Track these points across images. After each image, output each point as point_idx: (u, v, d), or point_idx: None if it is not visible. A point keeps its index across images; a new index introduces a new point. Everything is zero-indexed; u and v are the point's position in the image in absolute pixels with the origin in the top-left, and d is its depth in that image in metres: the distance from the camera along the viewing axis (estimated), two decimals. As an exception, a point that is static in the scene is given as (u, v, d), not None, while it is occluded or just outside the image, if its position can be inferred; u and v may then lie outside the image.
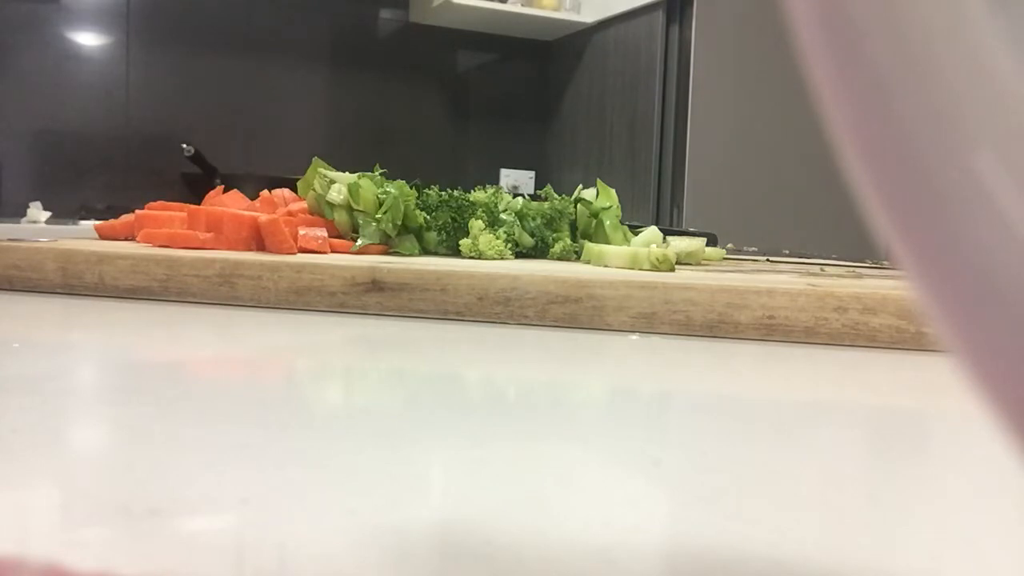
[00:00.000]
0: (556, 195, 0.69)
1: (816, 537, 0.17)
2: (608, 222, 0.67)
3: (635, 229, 0.68)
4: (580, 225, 0.68)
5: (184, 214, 0.60)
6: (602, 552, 0.16)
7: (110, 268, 0.50)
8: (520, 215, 0.65)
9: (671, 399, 0.32)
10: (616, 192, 0.70)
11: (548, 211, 0.66)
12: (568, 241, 0.65)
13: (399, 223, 0.60)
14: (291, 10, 2.42)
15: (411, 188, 0.63)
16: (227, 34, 2.34)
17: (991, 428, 0.10)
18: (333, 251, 0.58)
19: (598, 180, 0.71)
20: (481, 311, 0.46)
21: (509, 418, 0.27)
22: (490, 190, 0.66)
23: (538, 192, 0.73)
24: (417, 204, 0.62)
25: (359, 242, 0.59)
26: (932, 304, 0.10)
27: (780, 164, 1.95)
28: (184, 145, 2.06)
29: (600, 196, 0.69)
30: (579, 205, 0.68)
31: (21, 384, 0.29)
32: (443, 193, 0.64)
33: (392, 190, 0.61)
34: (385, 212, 0.60)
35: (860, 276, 0.57)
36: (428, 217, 0.62)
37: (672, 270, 0.54)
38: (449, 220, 0.63)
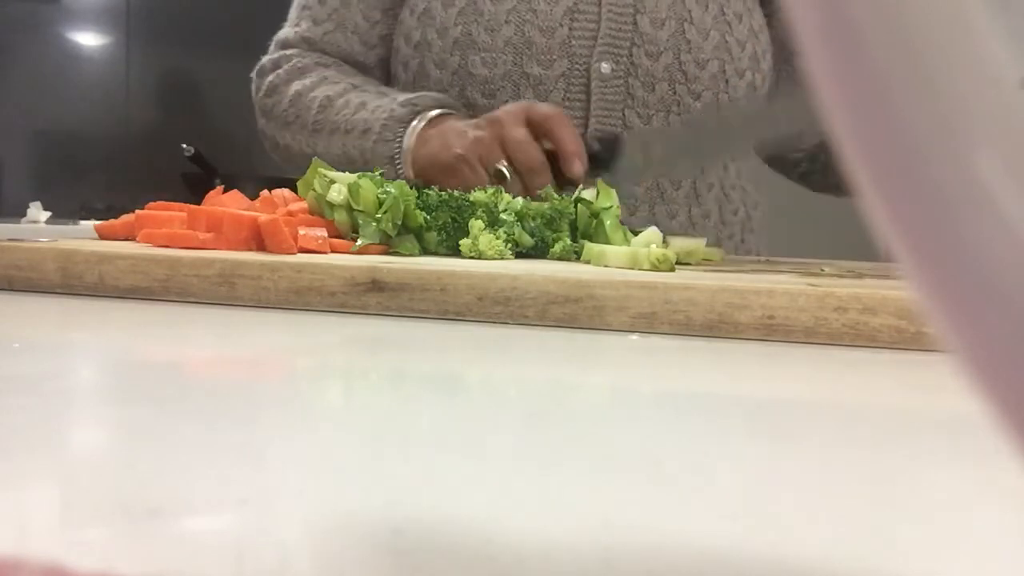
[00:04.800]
0: (556, 195, 0.69)
1: (817, 537, 0.17)
2: (608, 222, 0.67)
3: (635, 229, 0.68)
4: (580, 225, 0.68)
5: (184, 214, 0.60)
6: (602, 552, 0.16)
7: (110, 268, 0.50)
8: (520, 215, 0.65)
9: (671, 399, 0.32)
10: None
11: (548, 211, 0.66)
12: (568, 241, 0.65)
13: (399, 223, 0.60)
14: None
15: (411, 188, 0.63)
16: (227, 34, 2.34)
17: (991, 428, 0.10)
18: (333, 251, 0.58)
19: (598, 180, 0.71)
20: (481, 311, 0.46)
21: (509, 418, 0.27)
22: (490, 190, 0.66)
23: (538, 192, 0.73)
24: (417, 204, 0.62)
25: (359, 242, 0.59)
26: (932, 304, 0.10)
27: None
28: (184, 145, 2.06)
29: (600, 196, 0.69)
30: (579, 205, 0.68)
31: (21, 384, 0.29)
32: (443, 193, 0.64)
33: (392, 190, 0.61)
34: (385, 212, 0.60)
35: (860, 276, 0.57)
36: (428, 217, 0.62)
37: (672, 270, 0.54)
38: (449, 220, 0.63)
